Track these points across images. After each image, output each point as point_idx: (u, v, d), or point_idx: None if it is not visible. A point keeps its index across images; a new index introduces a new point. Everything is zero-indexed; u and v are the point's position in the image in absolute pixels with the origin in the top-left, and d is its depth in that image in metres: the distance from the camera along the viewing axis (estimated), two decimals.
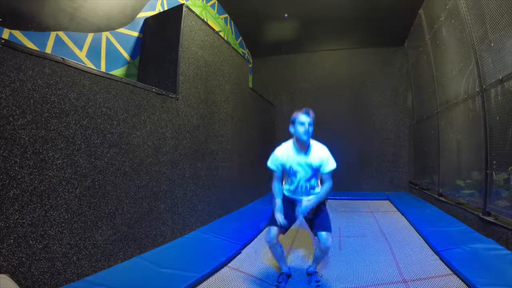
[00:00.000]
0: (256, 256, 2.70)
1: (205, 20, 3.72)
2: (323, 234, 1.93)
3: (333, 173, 1.97)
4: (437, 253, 2.58)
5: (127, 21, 3.20)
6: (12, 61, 1.61)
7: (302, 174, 1.99)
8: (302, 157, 1.97)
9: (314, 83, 7.02)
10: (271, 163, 2.06)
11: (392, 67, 6.67)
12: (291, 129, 1.94)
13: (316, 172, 2.01)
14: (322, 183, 2.05)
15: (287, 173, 2.07)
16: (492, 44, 2.74)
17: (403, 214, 4.24)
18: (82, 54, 2.66)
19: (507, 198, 2.60)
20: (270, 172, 2.12)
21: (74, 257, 1.91)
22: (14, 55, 1.62)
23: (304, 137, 1.86)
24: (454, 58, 3.74)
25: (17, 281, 1.51)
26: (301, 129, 1.85)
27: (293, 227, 2.25)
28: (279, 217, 1.92)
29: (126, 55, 3.19)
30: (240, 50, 6.61)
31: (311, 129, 1.87)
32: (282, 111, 6.98)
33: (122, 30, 3.12)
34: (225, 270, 2.38)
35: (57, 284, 1.78)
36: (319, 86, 6.98)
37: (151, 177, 2.64)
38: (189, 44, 3.23)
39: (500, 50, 2.63)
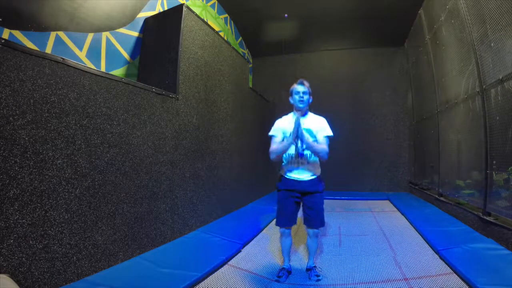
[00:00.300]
0: (256, 254, 2.71)
1: (205, 20, 3.72)
2: (310, 231, 2.15)
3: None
4: (437, 252, 2.58)
5: (127, 21, 3.20)
6: (12, 61, 1.60)
7: (300, 145, 2.04)
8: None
9: (314, 83, 6.89)
10: (272, 130, 2.12)
11: (392, 67, 6.67)
12: (290, 100, 2.10)
13: (314, 138, 2.06)
14: None
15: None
16: (492, 44, 2.74)
17: (403, 214, 4.24)
18: (82, 54, 2.66)
19: (507, 198, 2.60)
20: (270, 140, 2.13)
21: (74, 257, 1.91)
22: (14, 55, 1.62)
23: (300, 105, 2.01)
24: (454, 58, 3.74)
25: (17, 281, 1.51)
26: (297, 98, 2.03)
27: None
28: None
29: (126, 55, 3.19)
30: (240, 50, 6.61)
31: (306, 97, 2.01)
32: (282, 111, 6.97)
33: (122, 30, 3.12)
34: (225, 268, 2.38)
35: (57, 284, 1.78)
36: (319, 86, 6.91)
37: (151, 177, 2.64)
38: (189, 44, 3.23)
39: (500, 50, 2.63)
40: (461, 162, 3.77)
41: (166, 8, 3.75)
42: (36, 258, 1.68)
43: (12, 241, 1.57)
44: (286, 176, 2.13)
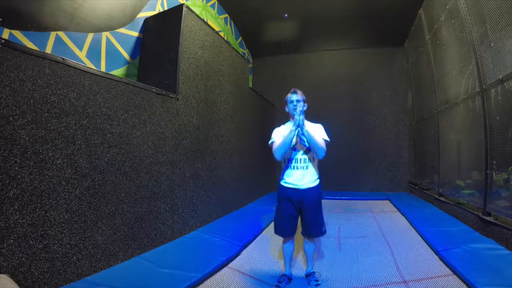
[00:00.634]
0: (256, 257, 2.71)
1: (205, 20, 3.72)
2: (307, 239, 2.20)
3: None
4: (437, 253, 2.58)
5: (127, 21, 3.20)
6: (12, 61, 1.61)
7: (300, 146, 2.06)
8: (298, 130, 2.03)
9: (314, 83, 7.01)
10: (272, 136, 2.13)
11: (392, 67, 6.67)
12: (286, 109, 2.15)
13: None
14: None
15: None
16: (492, 44, 2.74)
17: (403, 214, 4.23)
18: (82, 54, 2.66)
19: (507, 198, 2.60)
20: (270, 148, 2.13)
21: (74, 257, 1.91)
22: (14, 55, 1.62)
23: (294, 112, 2.03)
24: (454, 58, 3.74)
25: (17, 281, 1.51)
26: (291, 106, 2.08)
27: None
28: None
29: (126, 55, 3.19)
30: (240, 50, 6.61)
31: (299, 104, 2.03)
32: (282, 110, 6.97)
33: (122, 30, 3.12)
34: (225, 270, 2.38)
35: (57, 284, 1.78)
36: (319, 86, 6.97)
37: (151, 177, 2.64)
38: (189, 44, 3.23)
39: (500, 50, 2.63)
40: (461, 162, 3.77)
41: (166, 8, 3.75)
42: (36, 258, 1.68)
43: (12, 241, 1.57)
44: (284, 184, 2.12)
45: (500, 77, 2.61)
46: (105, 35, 2.91)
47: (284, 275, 2.18)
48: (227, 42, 4.30)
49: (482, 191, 2.99)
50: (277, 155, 2.02)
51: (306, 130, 1.94)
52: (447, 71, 4.05)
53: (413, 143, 6.23)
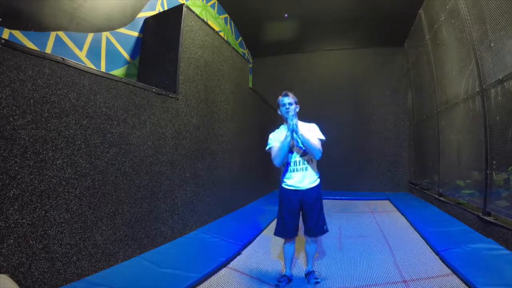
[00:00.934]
0: (256, 257, 2.71)
1: (205, 20, 3.72)
2: (308, 238, 2.21)
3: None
4: (437, 253, 2.58)
5: (127, 21, 3.20)
6: (12, 61, 1.60)
7: (296, 149, 2.06)
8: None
9: (314, 83, 7.01)
10: (268, 143, 2.13)
11: (392, 67, 6.67)
12: (279, 112, 2.15)
13: None
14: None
15: None
16: (492, 44, 2.74)
17: (403, 214, 4.24)
18: (82, 54, 2.66)
19: (507, 198, 2.60)
20: (269, 155, 2.13)
21: (74, 257, 1.91)
22: (14, 55, 1.62)
23: (287, 115, 2.04)
24: (454, 58, 3.74)
25: (17, 281, 1.51)
26: (283, 109, 2.08)
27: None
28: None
29: (126, 55, 3.19)
30: (240, 50, 6.61)
31: (292, 107, 2.05)
32: None
33: (122, 30, 3.12)
34: (225, 270, 2.38)
35: (57, 284, 1.78)
36: (319, 86, 6.98)
37: (151, 177, 2.64)
38: (189, 44, 3.23)
39: (500, 50, 2.63)
40: (461, 162, 3.77)
41: (166, 8, 3.75)
42: (36, 258, 1.68)
43: (12, 241, 1.57)
44: (285, 186, 2.12)
45: (500, 77, 2.61)
46: (105, 35, 2.91)
47: (285, 275, 2.19)
48: (227, 42, 4.30)
49: (482, 191, 2.99)
50: (276, 162, 2.02)
51: (301, 134, 1.94)
52: (447, 71, 4.05)
53: (413, 143, 6.23)
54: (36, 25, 2.25)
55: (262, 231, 3.46)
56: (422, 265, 2.39)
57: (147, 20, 3.43)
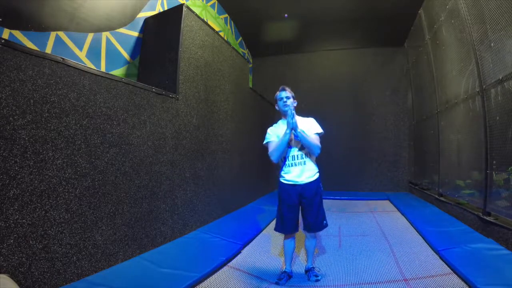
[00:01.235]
0: (256, 255, 2.71)
1: (205, 20, 3.72)
2: (308, 234, 2.21)
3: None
4: (437, 252, 2.58)
5: (127, 21, 3.20)
6: (12, 61, 1.61)
7: (295, 143, 2.06)
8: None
9: (314, 83, 7.01)
10: (266, 137, 2.13)
11: (392, 67, 6.67)
12: (276, 107, 2.18)
13: None
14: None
15: None
16: (492, 44, 2.74)
17: (403, 214, 4.23)
18: (82, 54, 2.66)
19: (507, 198, 2.60)
20: (266, 148, 2.13)
21: (74, 257, 1.91)
22: (14, 55, 1.62)
23: (285, 108, 2.05)
24: (454, 58, 3.74)
25: (17, 281, 1.51)
26: (281, 103, 2.10)
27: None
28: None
29: (126, 55, 3.19)
30: (240, 50, 6.61)
31: (289, 101, 2.06)
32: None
33: (122, 30, 3.12)
34: (225, 269, 2.38)
35: (57, 284, 1.78)
36: (319, 86, 6.98)
37: (151, 177, 2.64)
38: (189, 44, 3.23)
39: (500, 50, 2.63)
40: (461, 162, 3.77)
41: (166, 8, 3.75)
42: (36, 258, 1.68)
43: (12, 241, 1.57)
44: (283, 181, 2.12)
45: (500, 77, 2.61)
46: (105, 35, 2.91)
47: (285, 272, 2.19)
48: (227, 42, 4.30)
49: (482, 191, 2.99)
50: (274, 158, 2.03)
51: (300, 132, 1.94)
52: (447, 71, 4.05)
53: (413, 143, 6.22)
54: (36, 25, 2.25)
55: (262, 230, 3.46)
56: (423, 264, 2.39)
57: (147, 20, 3.43)
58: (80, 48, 2.65)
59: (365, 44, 6.73)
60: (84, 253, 1.97)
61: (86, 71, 2.05)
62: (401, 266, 2.36)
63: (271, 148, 2.05)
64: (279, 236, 2.25)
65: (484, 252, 2.42)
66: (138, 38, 3.34)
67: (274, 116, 6.87)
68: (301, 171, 2.06)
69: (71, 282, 1.86)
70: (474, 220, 3.11)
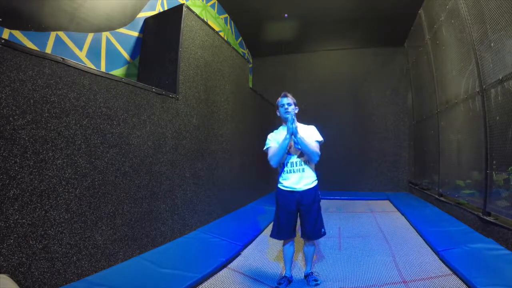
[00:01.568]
0: (256, 257, 2.71)
1: (205, 20, 3.72)
2: (306, 242, 2.20)
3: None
4: (437, 253, 2.58)
5: (127, 21, 3.20)
6: (12, 61, 1.61)
7: (294, 150, 2.06)
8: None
9: (314, 83, 7.02)
10: (267, 142, 2.13)
11: (392, 67, 6.67)
12: (278, 113, 2.17)
13: None
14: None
15: None
16: (492, 44, 2.74)
17: (403, 214, 4.23)
18: (82, 54, 2.66)
19: (507, 198, 2.60)
20: (266, 154, 2.12)
21: (74, 257, 1.91)
22: (14, 55, 1.62)
23: (286, 115, 2.05)
24: (454, 58, 3.74)
25: (17, 281, 1.51)
26: (282, 110, 2.09)
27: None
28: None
29: (126, 55, 3.19)
30: (240, 50, 6.61)
31: (290, 107, 2.06)
32: None
33: (122, 30, 3.12)
34: (225, 271, 2.38)
35: (57, 284, 1.78)
36: (319, 86, 6.98)
37: (151, 177, 2.64)
38: (189, 44, 3.23)
39: (500, 50, 2.63)
40: (461, 162, 3.77)
41: (166, 8, 3.75)
42: (36, 258, 1.68)
43: (12, 241, 1.57)
44: (281, 187, 2.12)
45: (500, 77, 2.61)
46: (105, 35, 2.91)
47: (285, 276, 2.18)
48: (227, 42, 4.30)
49: (482, 191, 2.99)
50: (273, 163, 2.02)
51: (299, 138, 1.94)
52: (447, 71, 4.05)
53: (413, 143, 6.22)
54: (36, 25, 2.25)
55: (262, 231, 3.46)
56: (422, 265, 2.39)
57: (147, 20, 3.43)
58: (80, 48, 2.65)
59: (365, 44, 6.73)
60: (84, 253, 1.97)
61: (86, 71, 2.05)
62: (401, 268, 2.36)
63: (270, 153, 2.05)
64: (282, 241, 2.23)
65: (484, 252, 2.42)
66: (138, 38, 3.34)
67: (274, 116, 6.87)
68: (299, 178, 2.05)
69: (71, 282, 1.86)
70: (474, 220, 3.11)
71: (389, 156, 6.57)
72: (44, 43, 2.32)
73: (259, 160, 5.35)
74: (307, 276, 2.21)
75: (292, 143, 2.01)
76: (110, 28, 2.98)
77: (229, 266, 2.48)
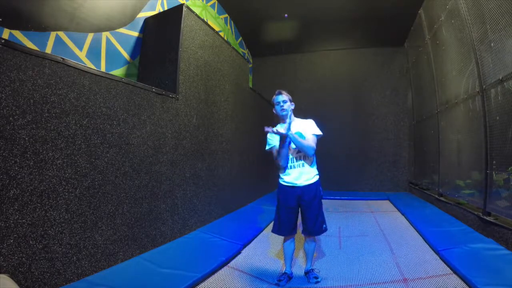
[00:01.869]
0: (256, 256, 2.71)
1: (205, 20, 3.72)
2: (307, 238, 2.20)
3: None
4: (437, 252, 2.58)
5: (127, 21, 3.20)
6: (12, 61, 1.61)
7: (293, 145, 2.06)
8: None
9: (314, 83, 7.02)
10: (268, 142, 2.14)
11: (392, 67, 6.67)
12: (274, 111, 2.17)
13: (304, 139, 2.09)
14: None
15: None
16: (492, 44, 2.74)
17: (403, 214, 4.24)
18: (82, 54, 2.66)
19: (507, 198, 2.60)
20: (270, 154, 2.15)
21: (74, 257, 1.91)
22: (14, 55, 1.62)
23: (283, 113, 2.07)
24: (454, 58, 3.74)
25: (17, 281, 1.51)
26: (278, 108, 2.09)
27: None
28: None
29: (126, 55, 3.19)
30: (240, 50, 6.61)
31: (286, 105, 2.06)
32: None
33: (122, 30, 3.12)
34: (225, 269, 2.38)
35: (57, 284, 1.78)
36: (319, 86, 6.98)
37: (151, 177, 2.64)
38: (189, 44, 3.23)
39: (500, 50, 2.63)
40: (461, 162, 3.77)
41: (166, 8, 3.75)
42: (36, 258, 1.68)
43: (12, 241, 1.57)
44: (282, 183, 2.13)
45: (500, 77, 2.61)
46: (105, 35, 2.91)
47: (285, 273, 2.19)
48: (227, 42, 4.30)
49: (482, 191, 2.99)
50: (282, 164, 2.05)
51: (291, 134, 1.96)
52: (447, 71, 4.05)
53: (413, 143, 6.23)
54: (36, 25, 2.25)
55: (262, 230, 3.46)
56: (422, 264, 2.39)
57: (147, 20, 3.43)
58: (80, 48, 2.65)
59: (365, 44, 6.73)
60: (84, 253, 1.97)
61: (86, 71, 2.05)
62: (401, 267, 2.36)
63: (275, 152, 2.07)
64: (279, 237, 2.24)
65: (484, 252, 2.42)
66: (138, 38, 3.34)
67: (273, 116, 6.87)
68: (299, 174, 2.06)
69: (71, 282, 1.86)
70: (474, 220, 3.11)
71: (389, 156, 6.57)
72: (44, 43, 2.32)
73: (259, 160, 5.35)
74: (307, 272, 2.22)
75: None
76: (110, 28, 2.98)
77: (229, 264, 2.48)
